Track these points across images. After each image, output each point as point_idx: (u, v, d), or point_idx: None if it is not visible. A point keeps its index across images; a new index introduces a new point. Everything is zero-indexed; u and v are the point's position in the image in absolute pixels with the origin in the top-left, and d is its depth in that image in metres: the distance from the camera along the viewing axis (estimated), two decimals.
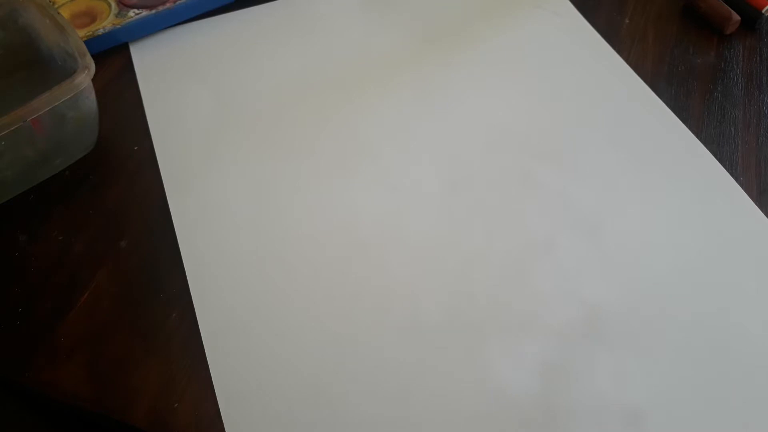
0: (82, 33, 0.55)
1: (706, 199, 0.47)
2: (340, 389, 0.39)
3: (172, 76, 0.55)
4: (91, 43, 0.55)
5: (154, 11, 0.57)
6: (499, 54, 0.57)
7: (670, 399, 0.38)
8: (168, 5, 0.57)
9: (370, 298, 0.42)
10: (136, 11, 0.57)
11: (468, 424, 0.37)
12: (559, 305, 0.42)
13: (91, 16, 0.57)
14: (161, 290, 0.43)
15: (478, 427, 0.37)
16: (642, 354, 0.40)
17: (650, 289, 0.43)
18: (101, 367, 0.39)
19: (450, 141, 0.51)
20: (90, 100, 0.46)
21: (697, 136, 0.51)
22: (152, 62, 0.56)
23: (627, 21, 0.61)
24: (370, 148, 0.50)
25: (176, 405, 0.38)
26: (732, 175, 0.49)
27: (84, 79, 0.42)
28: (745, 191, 0.48)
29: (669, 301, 0.42)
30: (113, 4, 0.57)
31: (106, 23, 0.56)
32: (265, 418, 0.37)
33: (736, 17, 0.58)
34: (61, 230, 0.45)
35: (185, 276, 0.43)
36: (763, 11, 0.59)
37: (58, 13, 0.46)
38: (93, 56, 0.44)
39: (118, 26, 0.56)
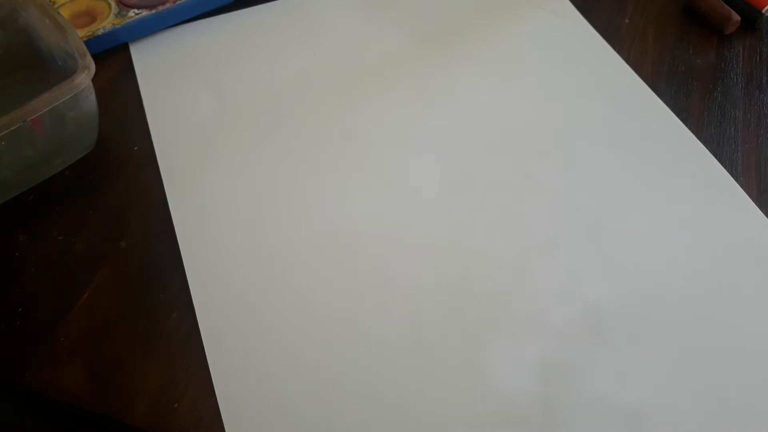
0: (82, 33, 0.55)
1: (706, 199, 0.47)
2: (339, 389, 0.39)
3: (172, 76, 0.55)
4: (91, 43, 0.55)
5: (154, 11, 0.57)
6: (499, 54, 0.57)
7: (671, 399, 0.38)
8: (168, 5, 0.57)
9: (370, 298, 0.42)
10: (136, 11, 0.57)
11: (468, 424, 0.37)
12: (559, 305, 0.42)
13: (91, 16, 0.57)
14: (161, 290, 0.43)
15: (478, 428, 0.37)
16: (642, 354, 0.40)
17: (650, 288, 0.43)
18: (101, 367, 0.39)
19: (450, 141, 0.51)
20: (90, 100, 0.46)
21: (697, 136, 0.51)
22: (152, 62, 0.56)
23: (627, 21, 0.61)
24: (370, 147, 0.50)
25: (176, 405, 0.38)
26: (732, 175, 0.49)
27: (84, 79, 0.42)
28: (745, 191, 0.48)
29: (669, 301, 0.42)
30: (113, 4, 0.57)
31: (106, 23, 0.56)
32: (265, 418, 0.37)
33: (736, 17, 0.58)
34: (61, 230, 0.45)
35: (185, 276, 0.43)
36: (763, 11, 0.59)
37: (58, 13, 0.46)
38: (93, 56, 0.44)
39: (118, 26, 0.56)
